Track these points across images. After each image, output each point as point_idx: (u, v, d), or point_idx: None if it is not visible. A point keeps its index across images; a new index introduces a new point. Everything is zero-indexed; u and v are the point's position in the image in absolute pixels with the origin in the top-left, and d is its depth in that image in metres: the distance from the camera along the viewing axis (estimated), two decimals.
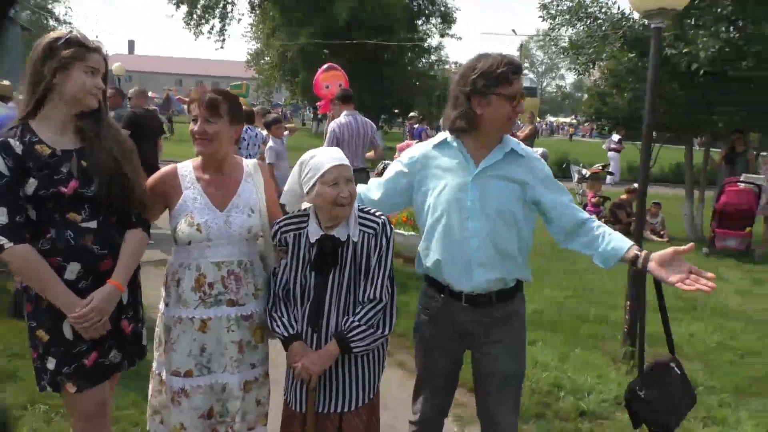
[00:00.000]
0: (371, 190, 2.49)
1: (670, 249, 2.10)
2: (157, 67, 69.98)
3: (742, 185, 7.84)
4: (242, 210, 2.38)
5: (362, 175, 6.26)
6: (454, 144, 2.31)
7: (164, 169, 2.45)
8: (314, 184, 2.22)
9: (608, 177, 18.32)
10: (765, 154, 8.88)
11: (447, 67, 34.40)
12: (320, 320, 2.29)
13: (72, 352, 2.13)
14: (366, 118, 6.40)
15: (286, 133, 7.30)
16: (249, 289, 2.39)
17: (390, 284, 2.29)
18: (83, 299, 2.09)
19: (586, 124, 57.46)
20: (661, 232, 9.05)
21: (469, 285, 2.29)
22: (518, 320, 2.41)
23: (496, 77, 2.14)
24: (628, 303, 4.43)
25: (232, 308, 2.35)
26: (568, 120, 65.08)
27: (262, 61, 34.30)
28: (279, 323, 2.32)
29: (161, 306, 2.44)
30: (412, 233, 6.76)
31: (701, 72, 7.76)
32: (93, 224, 2.13)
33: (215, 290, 2.33)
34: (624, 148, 19.37)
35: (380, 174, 6.92)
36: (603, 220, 9.29)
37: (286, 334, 2.29)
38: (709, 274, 2.04)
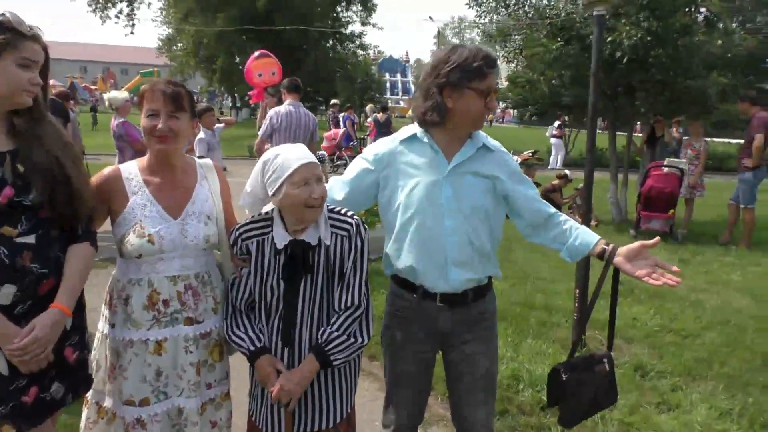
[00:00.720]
0: (334, 189, 2.31)
1: (637, 243, 2.11)
2: (60, 53, 65.65)
3: (666, 169, 8.17)
4: (198, 217, 2.15)
5: None
6: (425, 139, 2.18)
7: (105, 172, 2.16)
8: (281, 186, 2.02)
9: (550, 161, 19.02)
10: (686, 138, 9.29)
11: (368, 53, 34.28)
12: (293, 333, 2.10)
13: (8, 389, 1.83)
14: (308, 111, 6.15)
15: (221, 125, 6.90)
16: (208, 303, 2.18)
17: (366, 288, 2.13)
18: (22, 328, 1.80)
19: (499, 111, 59.19)
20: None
21: (445, 285, 2.19)
22: (491, 318, 2.34)
23: (471, 71, 2.05)
24: (577, 291, 4.48)
25: (190, 327, 2.13)
26: None
27: (174, 47, 32.93)
28: (242, 338, 2.10)
29: (102, 326, 2.18)
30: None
31: (624, 59, 8.01)
32: (31, 239, 1.83)
33: (171, 308, 2.09)
34: (565, 134, 20.01)
35: None
36: None
37: (252, 348, 2.09)
38: (674, 268, 2.05)
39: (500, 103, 22.63)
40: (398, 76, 65.27)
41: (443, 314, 2.23)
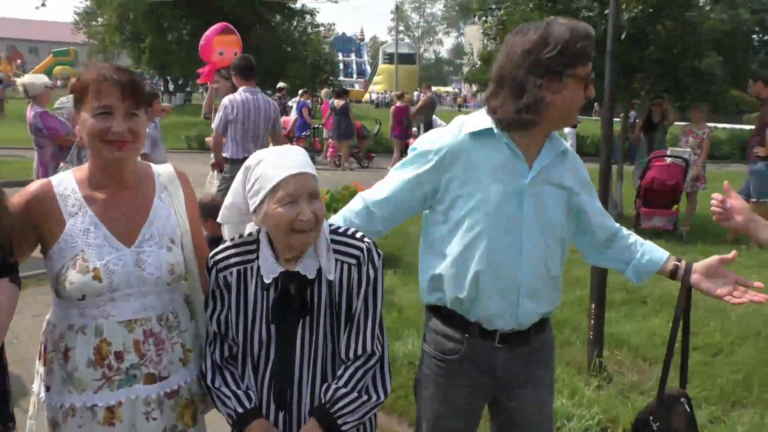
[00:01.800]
0: (376, 202, 2.01)
1: (715, 258, 2.04)
2: None
3: (669, 160, 8.13)
4: (159, 242, 1.85)
5: None
6: (504, 139, 1.90)
7: (31, 187, 1.83)
8: (262, 201, 1.73)
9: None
10: (686, 124, 9.29)
11: (320, 30, 33.90)
12: (289, 392, 1.81)
13: None
14: (267, 97, 5.79)
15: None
16: (175, 353, 1.88)
17: (381, 331, 1.86)
18: None
19: (464, 94, 59.62)
20: None
21: (512, 322, 1.96)
22: (551, 349, 2.17)
23: (575, 54, 1.81)
24: (593, 306, 4.31)
25: (152, 386, 1.82)
26: (450, 89, 67.09)
27: (94, 22, 31.93)
28: (228, 395, 1.82)
29: (36, 388, 1.87)
30: None
31: (623, 35, 7.93)
32: None
33: (126, 362, 1.79)
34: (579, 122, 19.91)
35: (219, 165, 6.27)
36: None
37: (240, 409, 1.80)
38: (758, 284, 1.96)
39: (471, 85, 22.60)
40: (353, 56, 65.04)
41: (502, 356, 2.00)
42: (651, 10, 7.80)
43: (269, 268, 1.79)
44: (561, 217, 2.01)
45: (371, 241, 1.85)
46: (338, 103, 14.32)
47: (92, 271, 1.73)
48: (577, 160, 2.06)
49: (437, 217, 1.99)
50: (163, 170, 1.98)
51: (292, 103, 16.05)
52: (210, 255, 1.88)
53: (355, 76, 62.77)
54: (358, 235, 1.86)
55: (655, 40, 8.31)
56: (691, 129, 8.89)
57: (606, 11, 7.93)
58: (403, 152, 15.19)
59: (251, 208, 1.77)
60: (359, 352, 1.81)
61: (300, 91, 16.01)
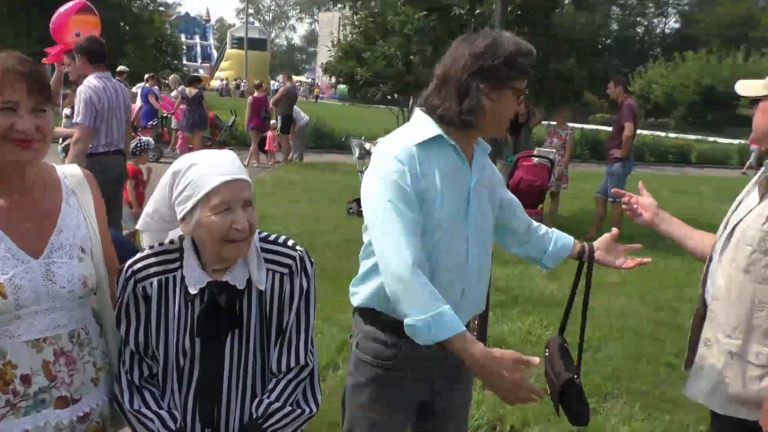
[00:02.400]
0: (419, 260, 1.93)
1: (608, 235, 2.46)
2: None
3: (535, 160, 8.76)
4: (69, 252, 1.79)
5: (121, 159, 5.46)
6: (451, 141, 2.03)
7: None
8: (193, 208, 1.75)
9: None
10: (553, 123, 10.05)
11: (162, 9, 32.65)
12: (217, 410, 1.84)
13: None
14: (121, 83, 5.56)
15: None
16: (87, 373, 1.84)
17: (313, 342, 1.94)
18: None
19: (318, 84, 59.67)
20: None
21: None
22: None
23: (517, 68, 1.99)
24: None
25: (64, 410, 1.77)
26: (303, 78, 66.99)
27: None
28: (150, 417, 1.82)
29: None
30: None
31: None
32: None
33: (34, 386, 1.73)
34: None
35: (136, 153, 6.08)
36: None
37: (164, 431, 1.80)
38: (636, 246, 2.47)
39: (331, 77, 22.72)
40: (197, 39, 63.04)
41: (438, 358, 2.12)
42: (519, 12, 8.35)
43: (195, 278, 1.80)
44: (491, 219, 2.21)
45: (303, 249, 1.92)
46: (191, 90, 13.91)
47: None
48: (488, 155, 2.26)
49: None
50: (69, 172, 1.91)
51: (136, 89, 15.34)
52: (127, 264, 1.85)
53: (199, 60, 60.88)
54: (290, 243, 1.92)
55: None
56: (555, 130, 9.65)
57: (477, 10, 8.45)
58: (261, 145, 15.07)
59: (179, 216, 1.77)
60: (292, 364, 1.87)
61: (146, 76, 15.33)
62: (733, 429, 2.15)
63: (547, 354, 2.47)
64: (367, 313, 2.14)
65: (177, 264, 1.84)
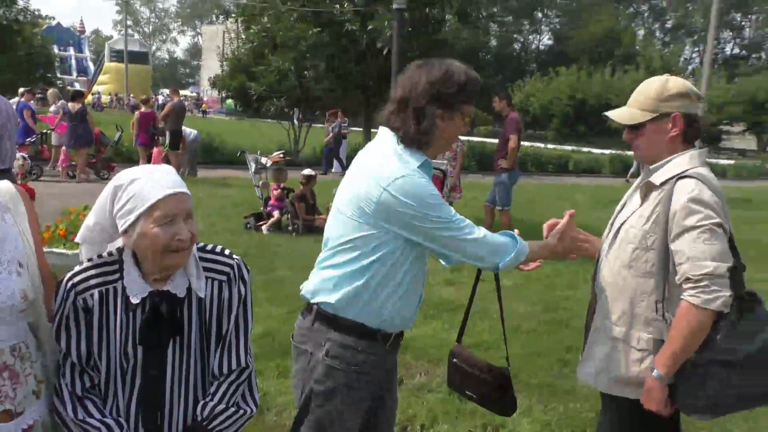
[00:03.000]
0: None
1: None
2: None
3: None
4: (8, 267, 1.82)
5: (7, 176, 5.24)
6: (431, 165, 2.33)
7: None
8: (136, 221, 1.82)
9: None
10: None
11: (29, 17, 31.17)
12: (160, 416, 1.91)
13: None
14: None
15: None
16: (29, 385, 1.87)
17: (250, 345, 2.04)
18: None
19: (205, 99, 58.58)
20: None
21: (407, 325, 2.40)
22: None
23: (468, 94, 2.25)
24: None
25: (9, 423, 1.81)
26: (189, 93, 65.44)
27: None
28: (97, 426, 1.86)
29: None
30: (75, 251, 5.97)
31: (386, 50, 8.74)
32: None
33: None
34: (349, 132, 20.35)
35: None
36: (289, 216, 9.68)
37: None
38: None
39: (220, 91, 22.34)
40: (71, 51, 60.31)
41: (392, 356, 2.41)
42: (410, 28, 8.69)
43: (137, 288, 1.87)
44: None
45: (240, 258, 2.02)
46: (74, 106, 13.38)
47: None
48: None
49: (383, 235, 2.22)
50: (2, 189, 1.93)
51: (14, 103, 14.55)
52: (66, 277, 1.89)
53: (75, 73, 58.30)
54: (227, 252, 2.01)
55: (412, 57, 9.26)
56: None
57: (369, 26, 8.71)
58: (148, 161, 14.66)
59: (121, 228, 1.83)
60: (233, 366, 1.97)
61: (21, 90, 14.59)
62: (617, 408, 2.42)
63: (455, 361, 2.71)
64: (337, 321, 2.25)
65: (117, 275, 1.90)
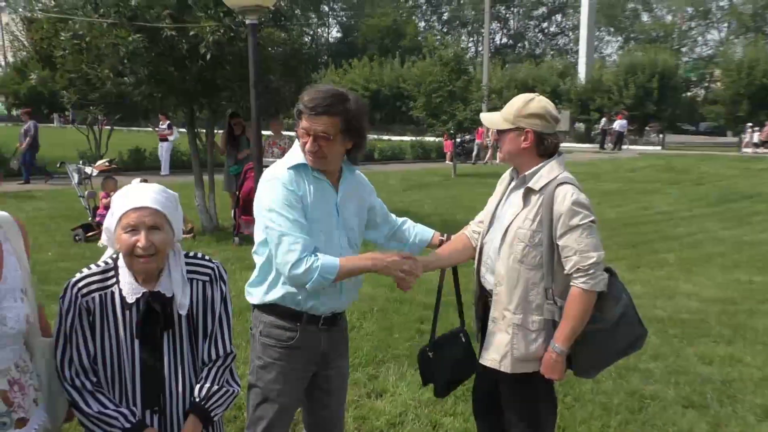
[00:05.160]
0: None
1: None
2: None
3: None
4: (14, 296, 2.02)
5: None
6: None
7: None
8: (114, 229, 2.15)
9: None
10: (267, 135, 10.69)
11: None
12: (162, 398, 2.22)
13: None
14: None
15: None
16: (31, 395, 2.09)
17: (231, 333, 2.38)
18: None
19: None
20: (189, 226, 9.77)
21: (334, 307, 2.72)
22: (347, 329, 3.01)
23: (298, 112, 2.59)
24: None
25: (23, 429, 2.02)
26: None
27: None
28: (113, 415, 2.12)
29: None
30: None
31: (208, 56, 8.80)
32: None
33: None
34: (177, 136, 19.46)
35: None
36: None
37: (127, 425, 2.13)
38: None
39: (7, 97, 20.63)
40: None
41: (325, 336, 2.74)
42: (232, 34, 8.85)
43: (132, 289, 2.15)
44: (358, 224, 2.80)
45: (219, 262, 2.35)
46: None
47: None
48: (360, 174, 2.88)
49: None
50: (4, 221, 2.08)
51: None
52: (71, 283, 2.13)
53: None
54: (207, 257, 2.34)
55: (234, 60, 9.41)
56: (273, 140, 10.33)
57: (191, 32, 8.75)
58: None
59: (111, 233, 2.15)
60: (220, 353, 2.29)
61: None
62: (518, 383, 2.84)
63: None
64: (266, 307, 2.66)
65: (113, 280, 2.16)
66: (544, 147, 2.82)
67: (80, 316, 2.12)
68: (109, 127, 20.34)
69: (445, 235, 3.15)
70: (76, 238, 9.26)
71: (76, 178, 9.57)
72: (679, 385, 4.75)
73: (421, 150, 27.93)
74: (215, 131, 11.58)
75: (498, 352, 2.83)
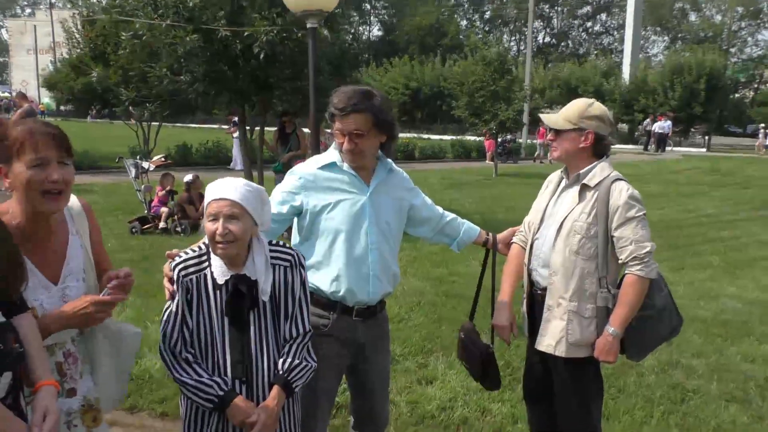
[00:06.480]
0: None
1: (509, 230, 3.38)
2: None
3: None
4: (77, 277, 2.28)
5: None
6: (344, 167, 2.85)
7: None
8: (204, 217, 2.43)
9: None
10: (329, 131, 10.98)
11: None
12: (248, 369, 2.46)
13: None
14: None
15: None
16: (80, 367, 2.32)
17: (309, 316, 2.63)
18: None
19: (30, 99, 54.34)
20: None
21: (366, 299, 2.88)
22: (388, 323, 3.18)
23: (329, 116, 2.80)
24: None
25: (73, 398, 2.27)
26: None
27: None
28: (210, 384, 2.37)
29: None
30: None
31: (261, 55, 9.12)
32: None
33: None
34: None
35: None
36: (176, 217, 9.87)
37: (220, 392, 2.38)
38: None
39: (62, 92, 21.27)
40: None
41: (360, 327, 2.92)
42: (285, 33, 9.15)
43: (221, 272, 2.42)
44: (393, 220, 2.98)
45: (298, 250, 2.61)
46: None
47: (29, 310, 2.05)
48: (401, 173, 3.08)
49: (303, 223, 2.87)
50: (71, 204, 2.33)
51: None
52: (174, 265, 2.42)
53: None
54: (287, 245, 2.61)
55: (285, 60, 9.73)
56: (324, 141, 10.66)
57: (246, 32, 9.08)
58: None
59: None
60: (300, 331, 2.55)
61: None
62: (572, 367, 3.03)
63: (462, 336, 3.34)
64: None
65: (206, 264, 2.45)
66: (601, 148, 3.03)
67: (182, 294, 2.39)
68: (157, 123, 20.87)
69: (490, 234, 3.35)
70: (133, 230, 9.68)
71: (133, 172, 10.01)
72: (722, 381, 4.90)
73: (462, 149, 28.04)
74: (265, 129, 11.93)
75: (554, 337, 3.02)
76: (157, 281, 6.95)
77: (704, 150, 35.21)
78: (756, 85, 55.46)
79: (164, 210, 9.81)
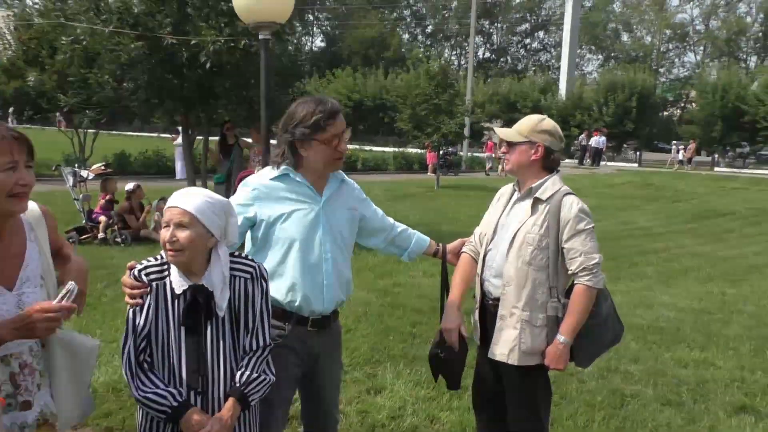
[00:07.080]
0: None
1: (459, 241, 3.43)
2: None
3: None
4: (34, 282, 2.22)
5: None
6: (298, 177, 2.85)
7: None
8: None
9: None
10: (254, 143, 10.90)
11: None
12: (204, 380, 2.46)
13: None
14: None
15: None
16: (37, 378, 2.25)
17: (269, 328, 2.63)
18: None
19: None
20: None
21: (320, 308, 2.89)
22: (341, 334, 3.21)
23: (311, 126, 2.75)
24: None
25: (28, 412, 2.20)
26: None
27: None
28: (163, 394, 2.36)
29: None
30: None
31: (207, 64, 9.06)
32: None
33: (2, 392, 2.11)
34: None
35: None
36: (116, 227, 9.66)
37: (175, 403, 2.37)
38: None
39: None
40: None
41: (314, 337, 2.92)
42: (232, 43, 9.11)
43: (180, 282, 2.41)
44: (346, 229, 3.00)
45: (259, 262, 2.62)
46: None
47: None
48: (352, 184, 3.11)
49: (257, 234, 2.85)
50: (31, 214, 2.27)
51: None
52: (136, 271, 2.41)
53: None
54: (249, 257, 2.62)
55: (231, 69, 9.69)
56: (259, 149, 10.57)
57: (193, 41, 9.01)
58: None
59: None
60: (260, 344, 2.54)
61: None
62: (524, 375, 3.10)
63: (437, 339, 3.32)
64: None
65: (166, 273, 2.44)
66: (550, 161, 3.14)
67: (151, 294, 2.39)
68: (94, 131, 20.33)
69: (440, 244, 3.40)
70: (71, 240, 9.41)
71: (71, 180, 9.72)
72: (657, 385, 5.10)
73: (404, 161, 28.29)
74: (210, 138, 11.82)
75: (507, 346, 3.09)
76: (98, 292, 6.81)
77: (636, 165, 36.41)
78: (683, 104, 57.81)
79: (103, 219, 9.56)
